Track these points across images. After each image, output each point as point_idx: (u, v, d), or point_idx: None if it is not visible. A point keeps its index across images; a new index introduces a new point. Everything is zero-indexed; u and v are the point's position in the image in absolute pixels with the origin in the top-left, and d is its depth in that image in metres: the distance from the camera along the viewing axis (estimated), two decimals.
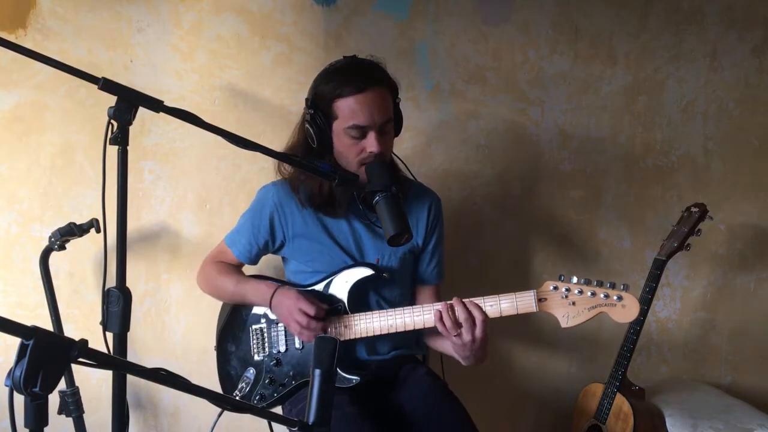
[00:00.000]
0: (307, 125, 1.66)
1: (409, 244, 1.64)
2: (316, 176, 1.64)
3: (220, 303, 1.91)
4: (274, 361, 1.76)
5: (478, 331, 1.58)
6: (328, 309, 1.69)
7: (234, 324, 1.82)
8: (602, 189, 2.36)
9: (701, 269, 2.42)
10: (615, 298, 1.55)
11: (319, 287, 1.74)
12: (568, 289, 1.58)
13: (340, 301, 1.71)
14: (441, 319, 1.60)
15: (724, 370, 2.47)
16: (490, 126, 2.27)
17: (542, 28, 2.25)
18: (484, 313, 1.59)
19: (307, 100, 1.67)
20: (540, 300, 1.60)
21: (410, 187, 1.82)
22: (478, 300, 1.61)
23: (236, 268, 1.85)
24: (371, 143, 1.60)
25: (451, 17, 2.20)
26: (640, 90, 2.32)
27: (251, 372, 1.77)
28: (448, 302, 1.61)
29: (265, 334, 1.78)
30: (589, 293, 1.57)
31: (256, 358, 1.78)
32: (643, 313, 1.99)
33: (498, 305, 1.61)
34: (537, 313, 1.62)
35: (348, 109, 1.59)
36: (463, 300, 1.60)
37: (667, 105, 2.34)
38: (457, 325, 1.58)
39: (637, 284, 2.10)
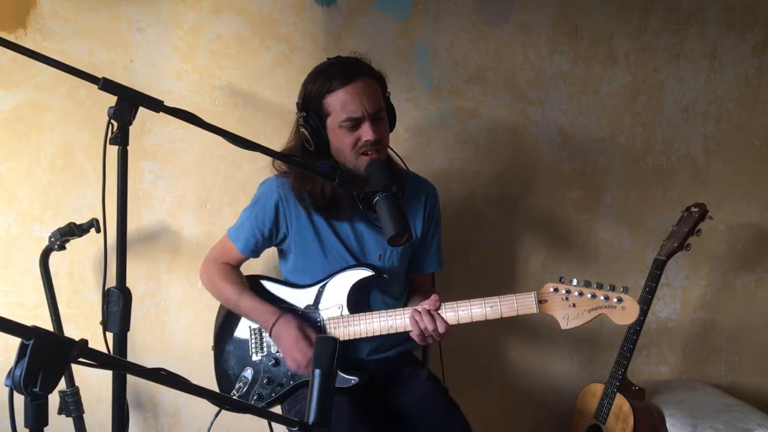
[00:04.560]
0: (301, 129, 1.66)
1: None
2: (317, 179, 1.64)
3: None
4: (273, 361, 1.76)
5: (436, 338, 1.66)
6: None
7: (231, 324, 1.82)
8: (602, 189, 2.36)
9: (701, 269, 2.42)
10: (615, 300, 1.56)
11: (319, 288, 1.75)
12: (568, 291, 1.59)
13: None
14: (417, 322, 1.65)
15: (724, 370, 2.47)
16: (490, 126, 2.27)
17: (542, 28, 2.25)
18: (444, 324, 1.64)
19: (297, 104, 1.68)
20: (540, 302, 1.60)
21: (405, 179, 1.82)
22: (478, 301, 1.62)
23: (239, 273, 1.84)
24: (366, 132, 1.61)
25: (451, 17, 2.20)
26: (640, 90, 2.32)
27: (249, 372, 1.76)
28: (420, 309, 1.65)
29: (264, 334, 1.78)
30: (589, 295, 1.58)
31: (254, 358, 1.78)
32: (643, 313, 1.99)
33: (498, 307, 1.61)
34: (537, 316, 1.62)
35: (338, 103, 1.60)
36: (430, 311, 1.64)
37: (667, 105, 2.34)
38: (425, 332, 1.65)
39: (637, 284, 2.10)
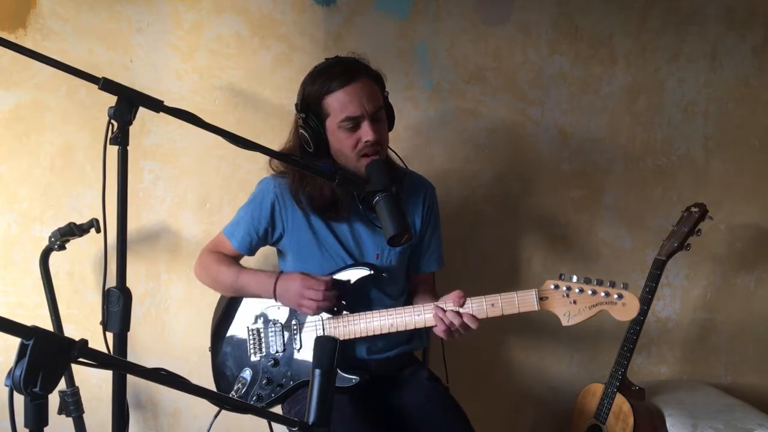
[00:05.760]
0: (300, 130, 1.66)
1: None
2: (316, 179, 1.64)
3: None
4: (272, 362, 1.76)
5: (461, 334, 1.64)
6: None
7: (228, 325, 1.82)
8: (602, 189, 2.36)
9: (701, 269, 2.42)
10: (615, 296, 1.56)
11: None
12: (568, 288, 1.59)
13: (346, 282, 1.72)
14: (441, 319, 1.63)
15: (724, 370, 2.47)
16: (490, 126, 2.27)
17: (542, 28, 2.24)
18: (469, 323, 1.62)
19: (296, 105, 1.68)
20: (541, 299, 1.61)
21: (404, 177, 1.82)
22: (479, 299, 1.62)
23: (234, 259, 1.84)
24: (366, 132, 1.61)
25: (451, 17, 2.20)
26: (640, 90, 2.32)
27: (248, 373, 1.76)
28: (444, 307, 1.64)
29: (262, 335, 1.77)
30: (589, 292, 1.58)
31: (253, 359, 1.77)
32: (643, 313, 1.99)
33: (500, 304, 1.62)
34: (537, 314, 1.62)
35: (338, 103, 1.60)
36: (454, 310, 1.63)
37: (667, 105, 2.34)
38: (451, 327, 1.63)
39: (637, 284, 2.10)
